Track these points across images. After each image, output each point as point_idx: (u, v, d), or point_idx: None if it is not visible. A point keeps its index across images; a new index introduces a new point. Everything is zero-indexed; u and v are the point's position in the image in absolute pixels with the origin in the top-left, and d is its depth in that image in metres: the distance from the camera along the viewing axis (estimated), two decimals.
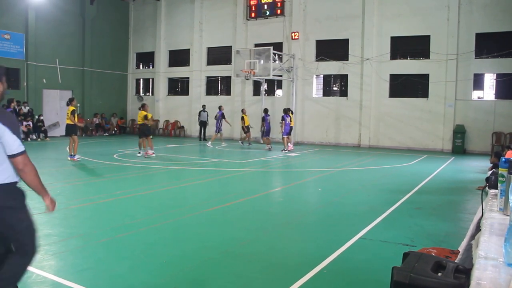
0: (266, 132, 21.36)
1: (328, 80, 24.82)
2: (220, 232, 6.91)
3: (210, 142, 22.03)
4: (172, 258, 5.61)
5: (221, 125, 22.66)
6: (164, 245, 6.16)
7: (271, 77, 22.56)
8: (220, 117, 22.64)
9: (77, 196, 9.88)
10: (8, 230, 3.78)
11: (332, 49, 24.17)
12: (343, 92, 24.18)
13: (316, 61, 24.38)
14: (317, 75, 24.76)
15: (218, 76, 28.41)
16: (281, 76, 24.35)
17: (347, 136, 23.78)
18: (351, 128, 23.61)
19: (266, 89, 25.75)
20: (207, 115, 25.85)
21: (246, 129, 22.88)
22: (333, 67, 24.05)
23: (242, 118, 22.81)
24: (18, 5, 25.28)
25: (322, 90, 24.96)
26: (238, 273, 5.22)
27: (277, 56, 24.55)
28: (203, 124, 26.01)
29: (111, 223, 7.40)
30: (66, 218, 7.81)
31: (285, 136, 19.78)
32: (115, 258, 5.61)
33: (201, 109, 26.21)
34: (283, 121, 20.04)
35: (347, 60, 23.53)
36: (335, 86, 24.88)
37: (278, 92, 26.20)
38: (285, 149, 19.69)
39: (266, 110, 21.77)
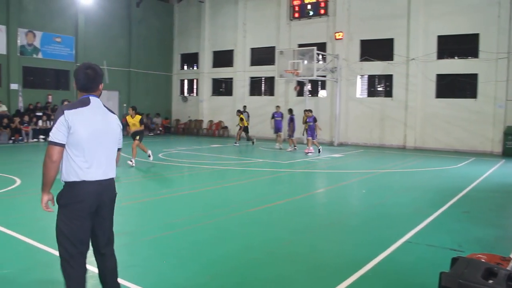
0: (292, 132, 21.13)
1: (372, 80, 24.49)
2: (263, 232, 6.92)
3: (278, 144, 21.52)
4: (216, 257, 5.65)
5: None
6: (208, 244, 6.22)
7: (314, 77, 22.43)
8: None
9: (124, 194, 10.09)
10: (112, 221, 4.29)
11: (377, 49, 23.81)
12: (388, 93, 23.79)
13: (360, 61, 24.09)
14: (361, 75, 24.46)
15: (262, 77, 28.47)
16: (324, 76, 24.16)
17: (391, 137, 23.38)
18: (396, 129, 23.19)
19: (310, 89, 25.60)
20: (248, 116, 25.97)
21: (245, 129, 22.90)
22: (377, 67, 23.71)
23: (242, 119, 22.78)
24: (68, 10, 26.10)
25: (366, 91, 24.64)
26: (281, 273, 5.22)
27: (320, 57, 24.40)
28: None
29: (156, 221, 7.53)
30: (114, 215, 7.97)
31: (310, 138, 19.07)
32: (161, 256, 5.70)
33: (242, 110, 26.37)
34: (292, 122, 20.10)
35: (392, 60, 23.14)
36: (380, 86, 24.51)
37: (322, 93, 26.02)
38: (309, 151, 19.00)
39: (291, 111, 21.46)
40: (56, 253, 5.60)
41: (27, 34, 24.76)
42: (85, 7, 26.39)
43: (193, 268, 5.30)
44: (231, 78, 29.56)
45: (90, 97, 3.77)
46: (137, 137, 14.49)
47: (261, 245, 6.25)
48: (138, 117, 14.68)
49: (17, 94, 24.07)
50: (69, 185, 3.78)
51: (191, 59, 32.28)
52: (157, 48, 31.47)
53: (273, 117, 21.79)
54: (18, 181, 10.83)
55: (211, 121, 30.43)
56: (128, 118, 14.75)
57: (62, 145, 3.55)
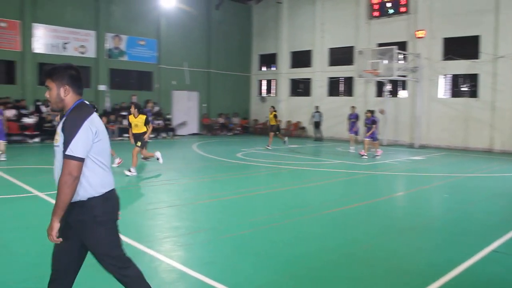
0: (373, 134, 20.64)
1: (456, 80, 23.47)
2: (341, 234, 6.86)
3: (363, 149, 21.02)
4: (293, 258, 5.66)
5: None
6: (286, 244, 6.24)
7: (394, 77, 21.87)
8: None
9: (203, 192, 10.35)
10: None
11: (461, 47, 22.77)
12: (473, 93, 22.70)
13: (443, 60, 23.17)
14: (444, 75, 23.52)
15: (340, 77, 28.15)
16: (405, 76, 23.48)
17: (476, 139, 22.29)
18: (481, 131, 22.08)
19: (391, 89, 24.99)
20: (320, 116, 25.91)
21: (275, 128, 21.14)
22: (461, 66, 22.69)
23: (275, 116, 21.28)
24: (151, 14, 27.14)
25: (449, 91, 23.66)
26: (358, 276, 5.14)
27: (401, 56, 23.74)
28: (316, 125, 26.18)
29: (235, 219, 7.65)
30: (193, 213, 8.23)
31: (367, 139, 17.88)
32: (239, 254, 5.79)
33: (315, 110, 26.40)
34: (375, 124, 19.38)
35: (478, 58, 22.07)
36: (464, 86, 23.44)
37: (402, 93, 25.31)
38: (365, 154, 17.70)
39: (372, 112, 20.82)
40: (140, 246, 5.88)
41: (114, 38, 26.03)
42: (166, 11, 27.32)
43: (271, 267, 5.34)
44: (309, 79, 29.46)
45: (84, 101, 3.43)
46: (138, 143, 12.40)
47: (339, 247, 6.19)
48: (142, 117, 12.47)
49: (104, 94, 25.35)
50: (104, 197, 3.44)
51: (269, 60, 32.50)
52: (236, 49, 31.98)
53: (349, 118, 21.35)
54: None
55: (289, 121, 30.48)
56: (131, 117, 12.54)
57: (83, 160, 3.16)
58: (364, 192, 10.92)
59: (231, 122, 31.07)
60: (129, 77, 27.35)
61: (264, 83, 33.15)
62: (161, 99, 27.88)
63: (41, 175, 11.88)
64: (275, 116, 20.97)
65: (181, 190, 10.54)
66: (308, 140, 26.07)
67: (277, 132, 21.22)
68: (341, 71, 27.75)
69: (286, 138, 21.57)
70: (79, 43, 24.68)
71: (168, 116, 27.25)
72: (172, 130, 26.88)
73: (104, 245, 3.55)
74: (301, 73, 30.09)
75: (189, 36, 29.19)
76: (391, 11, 25.22)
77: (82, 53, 24.79)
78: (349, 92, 27.74)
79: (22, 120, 21.27)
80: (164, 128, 26.35)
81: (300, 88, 30.66)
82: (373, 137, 17.67)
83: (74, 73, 3.39)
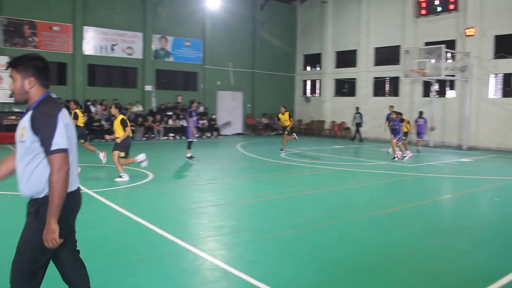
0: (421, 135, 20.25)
1: (508, 80, 22.67)
2: (385, 237, 6.74)
3: (418, 147, 20.48)
4: (335, 259, 5.62)
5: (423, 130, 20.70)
6: (329, 245, 6.20)
7: (442, 77, 21.33)
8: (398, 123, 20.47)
9: (247, 192, 10.40)
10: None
11: None
12: None
13: (495, 58, 22.43)
14: (495, 74, 22.76)
15: (386, 77, 27.71)
16: (453, 76, 22.88)
17: None
18: None
19: (438, 89, 24.40)
20: (361, 117, 25.67)
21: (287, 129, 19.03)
22: None
23: (290, 116, 19.42)
24: (196, 15, 27.50)
25: (501, 91, 22.88)
26: (401, 280, 5.05)
27: (449, 55, 23.14)
28: (357, 126, 26.05)
29: (278, 219, 7.65)
30: (237, 212, 8.28)
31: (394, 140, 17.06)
32: (282, 254, 5.78)
33: (355, 111, 26.14)
34: (421, 125, 18.84)
35: None
36: None
37: (450, 93, 24.66)
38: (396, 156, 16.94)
39: (421, 113, 20.38)
40: (184, 244, 5.97)
41: (160, 39, 26.51)
42: (211, 12, 27.60)
43: (313, 268, 5.32)
44: (354, 79, 29.12)
45: (51, 95, 3.25)
46: (121, 154, 11.01)
47: (382, 249, 6.09)
48: (120, 117, 10.95)
49: (150, 95, 25.84)
50: (68, 196, 3.11)
51: (314, 60, 32.33)
52: (280, 49, 31.96)
53: (387, 119, 20.86)
54: (151, 175, 11.61)
55: (333, 122, 30.23)
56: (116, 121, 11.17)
57: (67, 151, 3.03)
58: (409, 194, 10.72)
59: (275, 122, 31.08)
60: (175, 77, 27.79)
61: (308, 83, 32.99)
62: (206, 99, 28.19)
63: (89, 172, 12.22)
64: (290, 116, 19.17)
65: (225, 190, 10.63)
66: (353, 141, 25.77)
67: (285, 133, 18.84)
68: (386, 71, 27.30)
69: (294, 135, 19.37)
70: (126, 45, 25.26)
71: (213, 116, 27.56)
72: (217, 130, 27.13)
73: (29, 246, 3.15)
74: (346, 73, 29.78)
75: (233, 37, 29.40)
76: (439, 8, 24.63)
77: (130, 54, 25.37)
78: (395, 92, 27.26)
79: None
80: (208, 128, 26.64)
81: (345, 88, 30.35)
82: (399, 138, 16.86)
83: (40, 64, 3.17)
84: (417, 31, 25.53)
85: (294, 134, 19.20)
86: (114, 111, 11.13)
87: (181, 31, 27.19)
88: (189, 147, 15.19)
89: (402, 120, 17.18)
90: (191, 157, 15.12)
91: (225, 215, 8.08)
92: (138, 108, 24.66)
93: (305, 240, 6.44)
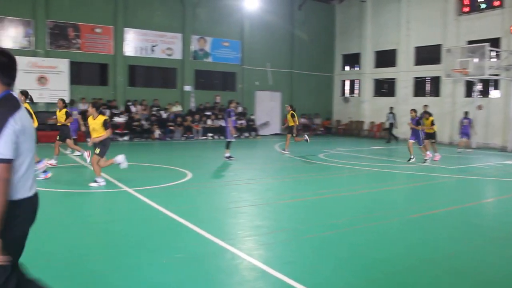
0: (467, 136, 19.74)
1: None
2: (425, 240, 6.60)
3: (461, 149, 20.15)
4: (373, 261, 5.54)
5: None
6: (367, 247, 6.12)
7: (486, 76, 20.77)
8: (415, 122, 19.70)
9: (285, 192, 10.39)
10: None
11: None
12: None
13: None
14: None
15: (426, 77, 27.17)
16: (498, 75, 22.22)
17: None
18: None
19: (481, 89, 23.76)
20: (394, 117, 25.35)
21: (292, 130, 17.94)
22: None
23: (293, 116, 18.07)
24: (234, 15, 27.69)
25: None
26: (441, 284, 4.94)
27: (494, 53, 22.51)
28: (390, 126, 25.69)
29: (316, 220, 7.61)
30: (275, 212, 8.28)
31: (411, 140, 16.04)
32: (319, 255, 5.76)
33: (389, 111, 25.74)
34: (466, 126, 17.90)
35: None
36: None
37: (494, 93, 23.97)
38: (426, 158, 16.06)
39: (466, 113, 19.83)
40: (223, 243, 6.00)
41: (199, 40, 26.78)
42: (249, 12, 27.70)
43: (350, 270, 5.27)
44: (394, 79, 28.68)
45: (12, 93, 3.00)
46: (97, 150, 10.28)
47: (420, 252, 5.96)
48: (101, 118, 10.35)
49: (189, 95, 26.13)
50: (17, 205, 2.83)
51: (352, 60, 32.03)
52: (318, 49, 31.79)
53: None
54: (190, 175, 11.73)
55: (372, 122, 29.86)
56: (90, 119, 10.65)
57: (11, 162, 2.74)
58: (450, 197, 10.48)
59: (313, 122, 30.94)
60: (213, 78, 28.03)
61: (347, 83, 32.70)
62: (244, 99, 28.31)
63: (130, 171, 12.44)
64: (293, 115, 17.90)
65: (263, 190, 10.65)
66: (389, 143, 25.38)
67: (293, 135, 17.87)
68: (427, 71, 26.78)
69: (306, 136, 18.60)
70: (166, 46, 25.63)
71: (251, 117, 27.66)
72: (255, 130, 27.21)
73: None
74: (385, 73, 29.37)
75: (271, 37, 29.44)
76: (483, 5, 24.01)
77: (169, 55, 25.73)
78: (436, 92, 26.71)
79: (113, 119, 22.39)
80: (247, 128, 26.75)
81: (384, 88, 29.95)
82: (418, 139, 15.75)
83: (4, 60, 2.97)
84: (459, 29, 24.92)
85: (306, 135, 18.65)
86: (91, 110, 10.55)
87: (220, 32, 27.41)
88: (227, 147, 15.28)
89: (419, 121, 15.88)
90: (229, 157, 15.20)
91: (263, 215, 8.09)
92: (177, 108, 24.99)
93: (343, 242, 6.38)
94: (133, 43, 24.67)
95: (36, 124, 10.40)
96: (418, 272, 5.26)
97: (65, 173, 12.36)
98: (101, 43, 23.71)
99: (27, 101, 10.73)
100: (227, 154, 15.27)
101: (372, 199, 9.73)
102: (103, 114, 10.58)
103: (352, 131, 30.70)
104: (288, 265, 5.32)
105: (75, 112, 16.51)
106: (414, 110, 16.20)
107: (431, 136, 16.70)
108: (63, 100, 14.26)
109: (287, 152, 17.42)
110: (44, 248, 5.70)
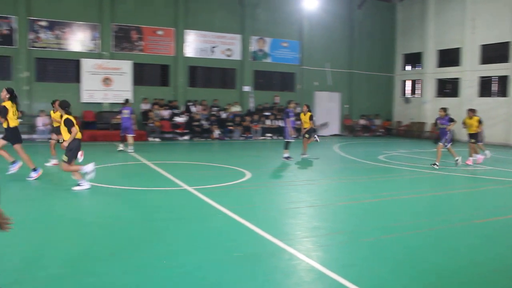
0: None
1: None
2: (492, 247, 6.33)
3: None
4: (434, 268, 5.38)
5: None
6: (427, 253, 5.94)
7: None
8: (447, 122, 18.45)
9: (343, 194, 10.28)
10: None
11: None
12: None
13: None
14: None
15: (493, 76, 26.09)
16: None
17: None
18: None
19: None
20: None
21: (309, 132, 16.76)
22: None
23: (311, 118, 16.72)
24: (294, 16, 27.67)
25: None
26: None
27: None
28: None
29: (375, 223, 7.48)
30: (334, 214, 8.21)
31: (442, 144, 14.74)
32: (378, 259, 5.65)
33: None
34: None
35: None
36: None
37: None
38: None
39: (446, 109, 18.02)
40: (281, 243, 6.01)
41: (258, 41, 26.93)
42: (309, 12, 27.59)
43: (409, 274, 5.15)
44: (458, 78, 27.72)
45: None
46: (64, 157, 9.40)
47: (487, 261, 5.73)
48: (64, 117, 9.46)
49: (248, 95, 26.34)
50: None
51: (414, 59, 31.22)
52: (379, 49, 31.21)
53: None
54: (248, 174, 11.82)
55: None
56: (52, 114, 10.51)
57: None
58: None
59: (373, 123, 30.42)
60: (272, 78, 28.10)
61: (408, 83, 31.92)
62: (303, 100, 28.22)
63: (190, 170, 12.69)
64: (311, 117, 16.63)
65: (321, 190, 10.58)
66: (457, 144, 24.50)
67: (306, 136, 16.67)
68: (494, 70, 25.68)
69: (316, 137, 17.09)
70: (225, 47, 25.95)
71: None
72: (314, 130, 27.01)
73: None
74: (448, 72, 28.44)
75: (331, 37, 29.19)
76: None
77: (229, 56, 26.04)
78: (503, 92, 25.59)
79: (174, 119, 22.90)
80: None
81: (448, 88, 28.99)
82: (446, 141, 14.57)
83: None
84: None
85: (316, 136, 17.11)
86: (56, 107, 10.02)
87: (279, 32, 27.47)
88: (286, 147, 15.28)
89: (451, 120, 14.70)
90: (288, 157, 15.18)
91: (322, 216, 8.04)
92: (236, 108, 25.25)
93: (402, 245, 6.24)
94: (193, 44, 25.14)
95: (15, 122, 10.19)
96: (484, 282, 5.06)
97: (126, 170, 12.74)
98: (162, 45, 24.33)
99: (8, 98, 10.21)
100: (286, 155, 15.26)
101: (435, 203, 9.47)
102: (69, 113, 9.53)
103: (413, 132, 29.91)
104: (345, 268, 5.27)
105: (126, 111, 16.97)
106: (444, 109, 15.14)
107: (473, 136, 15.74)
108: (8, 89, 13.00)
109: (307, 155, 16.23)
110: (107, 241, 5.92)
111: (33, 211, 7.79)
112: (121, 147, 17.08)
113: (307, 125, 16.59)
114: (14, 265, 5.09)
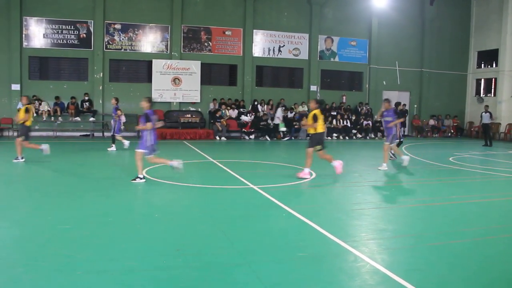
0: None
1: None
2: None
3: None
4: (506, 275, 5.18)
5: None
6: (502, 260, 5.71)
7: None
8: None
9: (411, 196, 10.06)
10: None
11: None
12: None
13: None
14: None
15: None
16: None
17: None
18: None
19: None
20: (490, 116, 23.15)
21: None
22: None
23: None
24: (363, 14, 27.27)
25: None
26: None
27: None
28: (484, 128, 23.26)
29: (443, 227, 7.28)
30: (400, 216, 8.07)
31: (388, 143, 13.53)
32: (446, 264, 5.50)
33: (484, 110, 23.34)
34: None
35: None
36: None
37: None
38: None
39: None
40: (345, 244, 5.99)
41: (326, 40, 26.75)
42: (378, 10, 27.08)
43: (481, 282, 4.98)
44: None
45: None
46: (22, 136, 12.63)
47: None
48: (23, 109, 12.39)
49: (315, 95, 26.22)
50: None
51: (489, 56, 29.84)
52: (451, 46, 30.11)
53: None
54: (313, 174, 11.78)
55: (510, 125, 27.62)
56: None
57: None
58: None
59: (443, 124, 29.44)
60: (340, 77, 27.83)
61: (482, 82, 30.58)
62: (370, 99, 27.79)
63: (256, 169, 12.83)
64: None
65: (388, 192, 10.40)
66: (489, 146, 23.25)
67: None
68: None
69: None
70: (293, 46, 25.98)
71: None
72: (381, 131, 26.59)
73: None
74: None
75: (400, 35, 28.53)
76: None
77: (296, 55, 26.04)
78: None
79: (241, 118, 23.19)
80: (373, 129, 26.26)
81: None
82: (394, 137, 13.50)
83: None
84: None
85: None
86: (24, 101, 12.43)
87: (347, 31, 27.18)
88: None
89: (402, 113, 12.87)
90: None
91: (387, 218, 7.91)
92: (303, 108, 25.20)
93: (473, 252, 6.03)
94: (260, 44, 25.36)
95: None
96: None
97: (194, 167, 13.06)
98: (230, 45, 24.71)
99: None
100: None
101: (508, 208, 9.07)
102: (30, 103, 11.73)
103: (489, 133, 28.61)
104: (412, 272, 5.16)
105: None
106: (387, 101, 13.83)
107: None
108: (27, 97, 13.70)
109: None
110: (176, 237, 6.13)
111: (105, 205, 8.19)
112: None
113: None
114: (88, 256, 5.39)
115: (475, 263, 5.60)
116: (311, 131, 11.44)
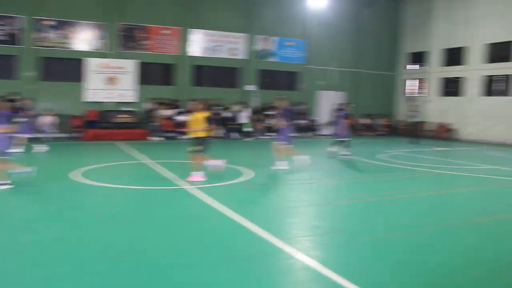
0: None
1: None
2: (490, 247, 6.39)
3: None
4: (434, 267, 5.45)
5: None
6: (427, 252, 6.02)
7: None
8: None
9: (343, 193, 10.34)
10: None
11: None
12: None
13: None
14: None
15: (499, 75, 25.96)
16: None
17: None
18: None
19: None
20: (417, 115, 24.58)
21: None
22: None
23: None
24: (300, 15, 27.64)
25: None
26: None
27: None
28: (413, 126, 24.66)
29: (374, 222, 7.54)
30: (333, 213, 8.29)
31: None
32: (376, 258, 5.73)
33: (412, 109, 24.62)
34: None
35: None
36: None
37: None
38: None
39: None
40: (279, 242, 6.08)
41: (264, 40, 26.94)
42: (315, 11, 27.54)
43: (408, 273, 5.22)
44: (461, 78, 27.59)
45: None
46: None
47: (487, 260, 5.79)
48: None
49: (252, 95, 26.32)
50: None
51: (419, 58, 30.94)
52: (384, 47, 30.96)
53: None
54: (251, 173, 11.83)
55: (438, 123, 28.81)
56: None
57: None
58: None
59: (376, 123, 30.37)
60: (278, 77, 28.08)
61: (412, 82, 31.70)
62: (307, 99, 28.25)
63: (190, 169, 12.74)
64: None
65: (321, 190, 10.64)
66: (455, 143, 24.49)
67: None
68: (500, 69, 25.48)
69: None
70: (231, 46, 26.01)
71: (315, 118, 27.57)
72: (314, 129, 27.11)
73: None
74: (453, 71, 28.31)
75: (336, 36, 29.00)
76: None
77: (234, 55, 26.09)
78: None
79: (175, 118, 22.90)
80: (308, 128, 26.72)
81: (451, 87, 28.83)
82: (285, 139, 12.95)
83: None
84: None
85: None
86: None
87: (285, 32, 27.45)
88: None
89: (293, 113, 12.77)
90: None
91: (321, 215, 8.11)
92: (237, 108, 25.12)
93: (402, 245, 6.31)
94: (198, 43, 25.21)
95: None
96: (484, 282, 5.14)
97: (125, 169, 12.85)
98: (168, 43, 24.41)
99: None
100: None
101: (434, 202, 9.52)
102: None
103: (416, 131, 29.76)
104: (344, 267, 5.33)
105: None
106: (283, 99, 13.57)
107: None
108: None
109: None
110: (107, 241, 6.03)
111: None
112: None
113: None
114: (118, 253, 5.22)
115: (403, 254, 5.89)
116: (201, 134, 10.93)
